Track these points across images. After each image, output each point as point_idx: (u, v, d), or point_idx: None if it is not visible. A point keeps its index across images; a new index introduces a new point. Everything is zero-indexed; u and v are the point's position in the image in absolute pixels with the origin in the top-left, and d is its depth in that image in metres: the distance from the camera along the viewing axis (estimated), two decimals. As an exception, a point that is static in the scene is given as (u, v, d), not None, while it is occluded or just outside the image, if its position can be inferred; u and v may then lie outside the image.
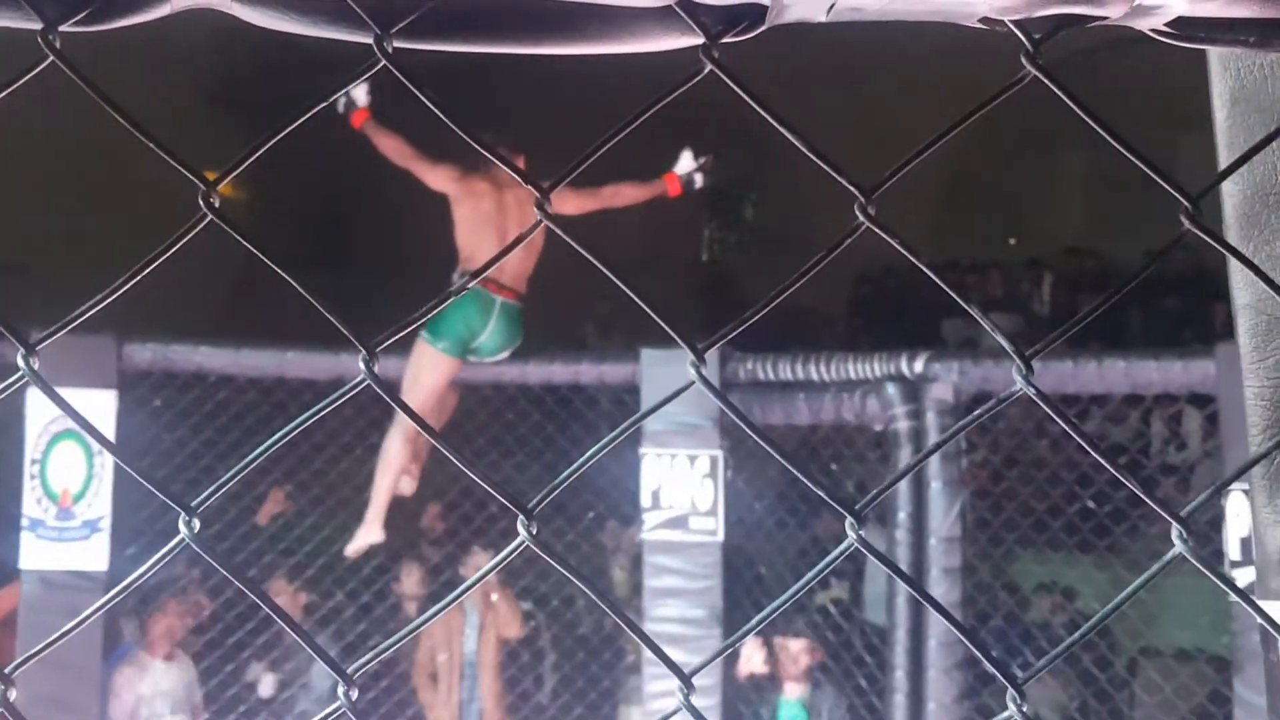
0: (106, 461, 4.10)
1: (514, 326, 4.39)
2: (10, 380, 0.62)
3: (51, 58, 0.61)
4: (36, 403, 4.09)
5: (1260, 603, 0.79)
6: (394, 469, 4.41)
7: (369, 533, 4.44)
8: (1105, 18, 0.66)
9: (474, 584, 0.72)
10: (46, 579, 4.09)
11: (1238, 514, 3.15)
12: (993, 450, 4.74)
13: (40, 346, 0.61)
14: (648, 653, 3.49)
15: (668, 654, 0.70)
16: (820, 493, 0.71)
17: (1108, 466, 0.73)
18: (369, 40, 0.64)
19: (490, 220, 4.31)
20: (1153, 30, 0.69)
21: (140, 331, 4.28)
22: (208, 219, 0.64)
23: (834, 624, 4.38)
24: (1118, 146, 0.71)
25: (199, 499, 0.64)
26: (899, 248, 0.70)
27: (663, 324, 0.69)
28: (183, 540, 0.63)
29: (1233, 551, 3.19)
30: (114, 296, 0.63)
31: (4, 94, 0.62)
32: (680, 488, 4.20)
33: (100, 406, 4.11)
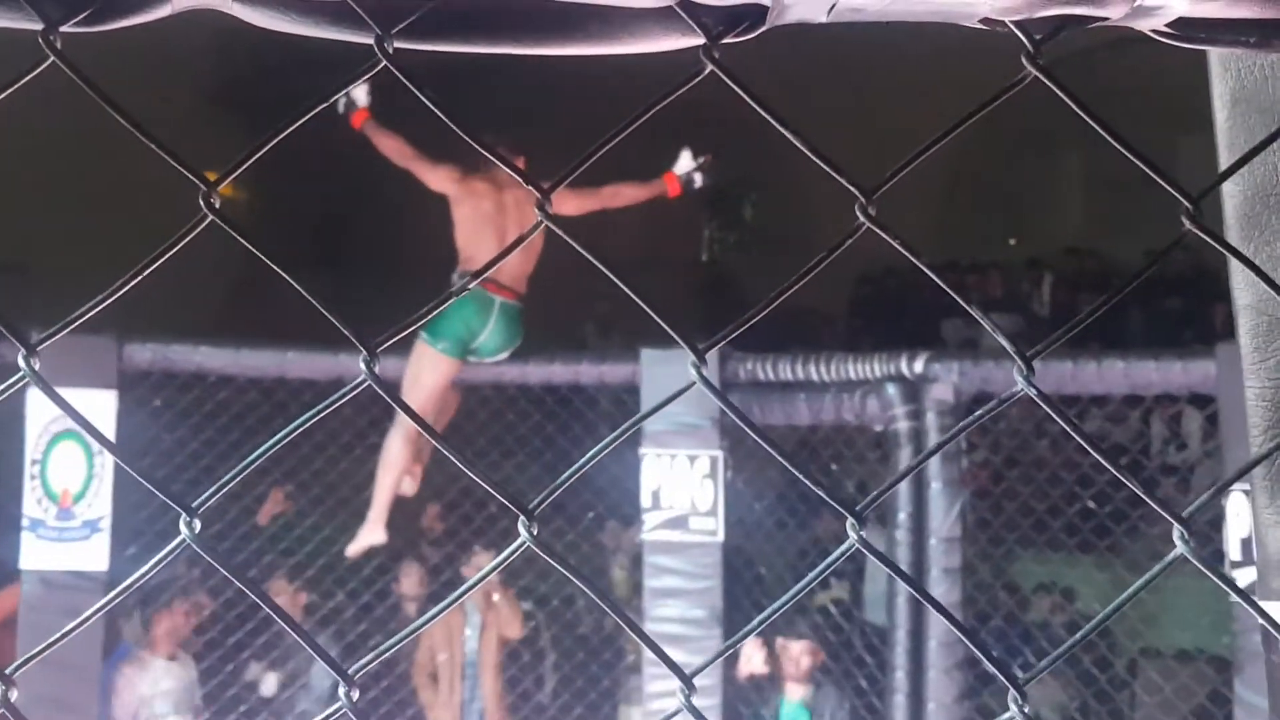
0: (107, 461, 4.10)
1: (514, 326, 4.39)
2: (11, 380, 0.62)
3: (52, 58, 0.61)
4: (37, 403, 4.09)
5: (1261, 603, 0.79)
6: (396, 469, 4.41)
7: (371, 533, 4.45)
8: (1106, 18, 0.66)
9: (475, 585, 0.72)
10: (47, 579, 4.09)
11: (1238, 514, 3.15)
12: (993, 451, 4.74)
13: (41, 347, 0.61)
14: (648, 653, 3.49)
15: (668, 654, 0.70)
16: (821, 493, 0.71)
17: (1108, 467, 0.73)
18: (369, 41, 0.64)
19: (490, 221, 4.31)
20: (1153, 31, 0.69)
21: (140, 331, 4.28)
22: (208, 219, 0.64)
23: (834, 624, 4.38)
24: (1119, 147, 0.71)
25: (199, 499, 0.64)
26: (900, 248, 0.70)
27: (663, 324, 0.69)
28: (183, 541, 0.63)
29: (1233, 552, 3.19)
30: (115, 297, 0.63)
31: (5, 94, 0.62)
32: (680, 488, 4.20)
33: (100, 406, 4.11)
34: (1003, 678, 0.68)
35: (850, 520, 0.68)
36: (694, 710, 0.66)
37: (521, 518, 0.66)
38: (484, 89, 4.61)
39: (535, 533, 0.66)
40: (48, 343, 0.62)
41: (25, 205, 7.67)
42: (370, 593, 4.89)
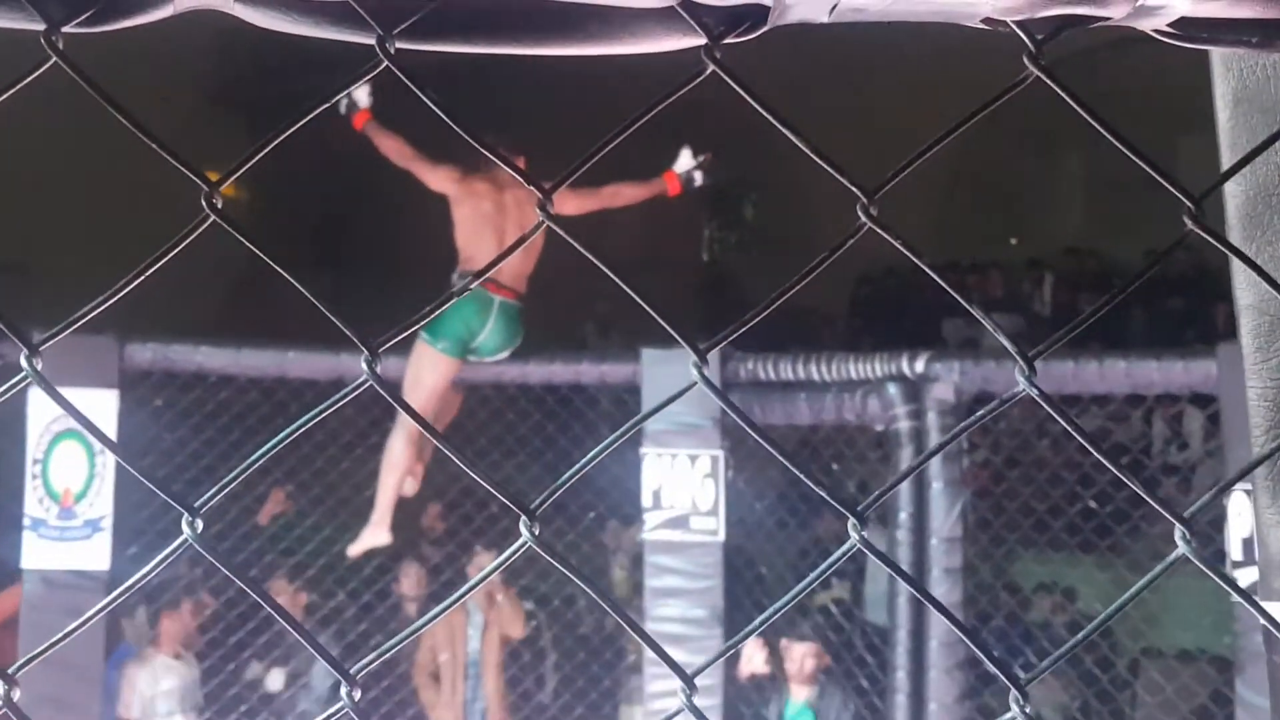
0: (108, 461, 4.10)
1: (513, 326, 4.39)
2: (13, 381, 0.62)
3: (54, 58, 0.61)
4: (38, 402, 4.09)
5: (1263, 603, 0.79)
6: (398, 470, 4.41)
7: (375, 534, 4.45)
8: (1108, 18, 0.66)
9: (475, 585, 0.72)
10: (48, 578, 4.10)
11: (1240, 514, 3.15)
12: (994, 450, 4.74)
13: (43, 347, 0.62)
14: (649, 653, 3.49)
15: (669, 654, 0.70)
16: (822, 493, 0.71)
17: (1110, 467, 0.73)
18: (371, 41, 0.64)
19: (490, 221, 4.32)
20: (1155, 31, 0.69)
21: (142, 331, 4.28)
22: (210, 220, 0.64)
23: (835, 624, 4.38)
24: (1120, 147, 0.71)
25: (202, 499, 0.64)
26: (901, 249, 0.70)
27: (665, 325, 0.69)
28: (186, 541, 0.63)
29: (1235, 552, 3.18)
30: (117, 297, 0.63)
31: (7, 95, 0.62)
32: (681, 488, 4.20)
33: (102, 406, 4.11)
34: (1004, 678, 0.68)
35: (852, 520, 0.68)
36: (695, 710, 0.66)
37: (523, 518, 0.66)
38: (484, 89, 4.62)
39: (537, 533, 0.66)
40: (50, 343, 0.62)
41: (25, 205, 7.67)
42: (371, 592, 4.90)
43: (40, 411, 4.09)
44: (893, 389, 3.86)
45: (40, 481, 4.12)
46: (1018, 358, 0.70)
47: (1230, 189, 0.86)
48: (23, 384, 0.62)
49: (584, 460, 0.69)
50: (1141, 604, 4.51)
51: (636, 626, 0.72)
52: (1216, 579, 0.73)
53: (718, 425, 4.17)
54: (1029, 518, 4.41)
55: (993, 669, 0.71)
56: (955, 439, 3.43)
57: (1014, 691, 0.68)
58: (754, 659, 4.24)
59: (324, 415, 0.67)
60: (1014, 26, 0.67)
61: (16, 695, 0.60)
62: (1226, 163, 0.85)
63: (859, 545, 0.68)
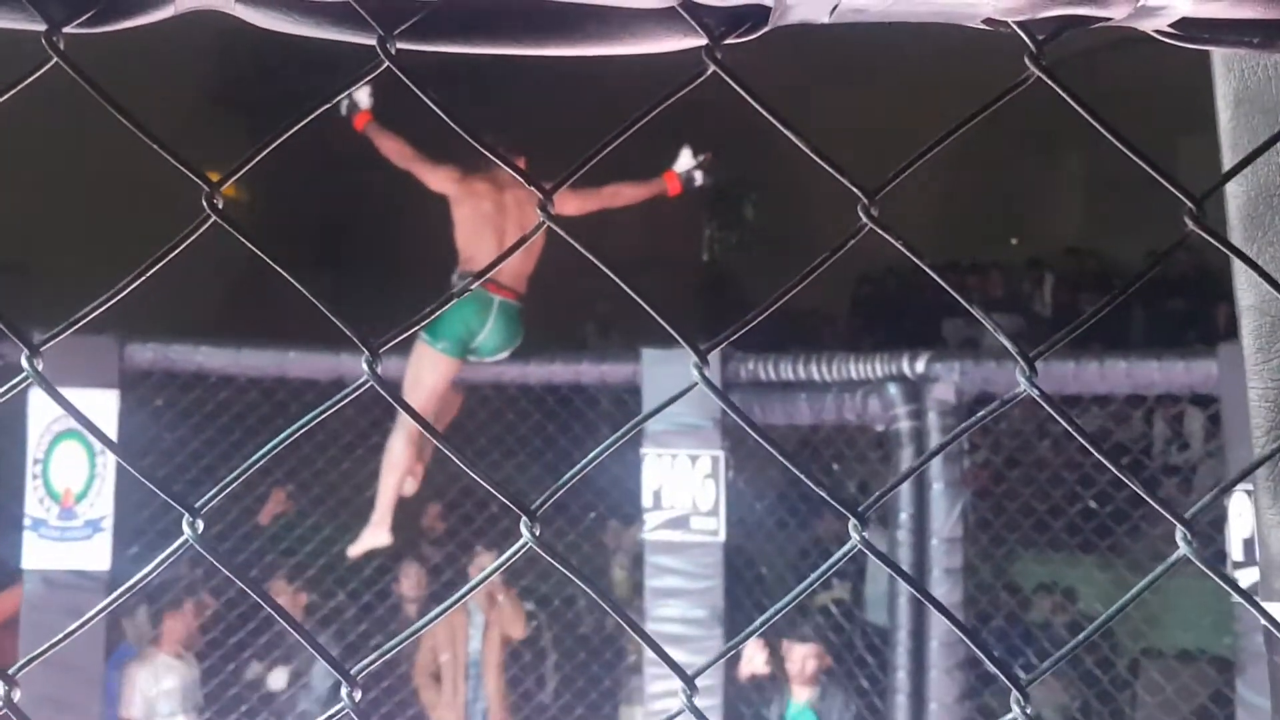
0: (109, 461, 4.10)
1: (513, 326, 4.39)
2: (14, 381, 0.62)
3: (56, 59, 0.61)
4: (39, 402, 4.09)
5: (1264, 604, 0.79)
6: (399, 471, 4.41)
7: (375, 535, 4.45)
8: (1109, 19, 0.66)
9: (476, 585, 0.72)
10: (49, 578, 4.10)
11: (1240, 515, 3.15)
12: (994, 451, 4.74)
13: (44, 347, 0.62)
14: (649, 653, 3.49)
15: (669, 654, 0.70)
16: (823, 494, 0.71)
17: (1110, 467, 0.73)
18: (372, 42, 0.64)
19: (490, 221, 4.32)
20: (1156, 31, 0.68)
21: (142, 331, 4.29)
22: (211, 220, 0.64)
23: (836, 624, 4.38)
24: (1121, 148, 0.71)
25: (202, 500, 0.64)
26: (902, 249, 0.70)
27: (665, 325, 0.69)
28: (186, 541, 0.63)
29: (1235, 553, 3.18)
30: (119, 297, 0.63)
31: (8, 95, 0.62)
32: (681, 488, 4.20)
33: (102, 406, 4.11)
34: (1004, 678, 0.68)
35: (852, 521, 0.68)
36: (695, 710, 0.66)
37: (524, 518, 0.66)
38: (484, 89, 4.62)
39: (537, 533, 0.66)
40: (51, 344, 0.62)
41: (25, 205, 7.67)
42: (371, 593, 4.90)
43: (41, 411, 4.09)
44: (893, 389, 3.86)
45: (41, 481, 4.12)
46: (1018, 358, 0.70)
47: (1231, 189, 0.86)
48: (23, 384, 0.62)
49: (584, 461, 0.69)
50: (1142, 604, 4.51)
51: (637, 627, 0.72)
52: (1217, 579, 0.73)
53: (718, 425, 4.17)
54: (1029, 518, 4.41)
55: (993, 669, 0.71)
56: (956, 439, 3.43)
57: (1015, 692, 0.68)
58: (754, 659, 4.24)
59: (324, 416, 0.67)
60: (1015, 27, 0.67)
61: (17, 696, 0.60)
62: (1228, 163, 0.85)
63: (860, 546, 0.68)
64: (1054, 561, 5.33)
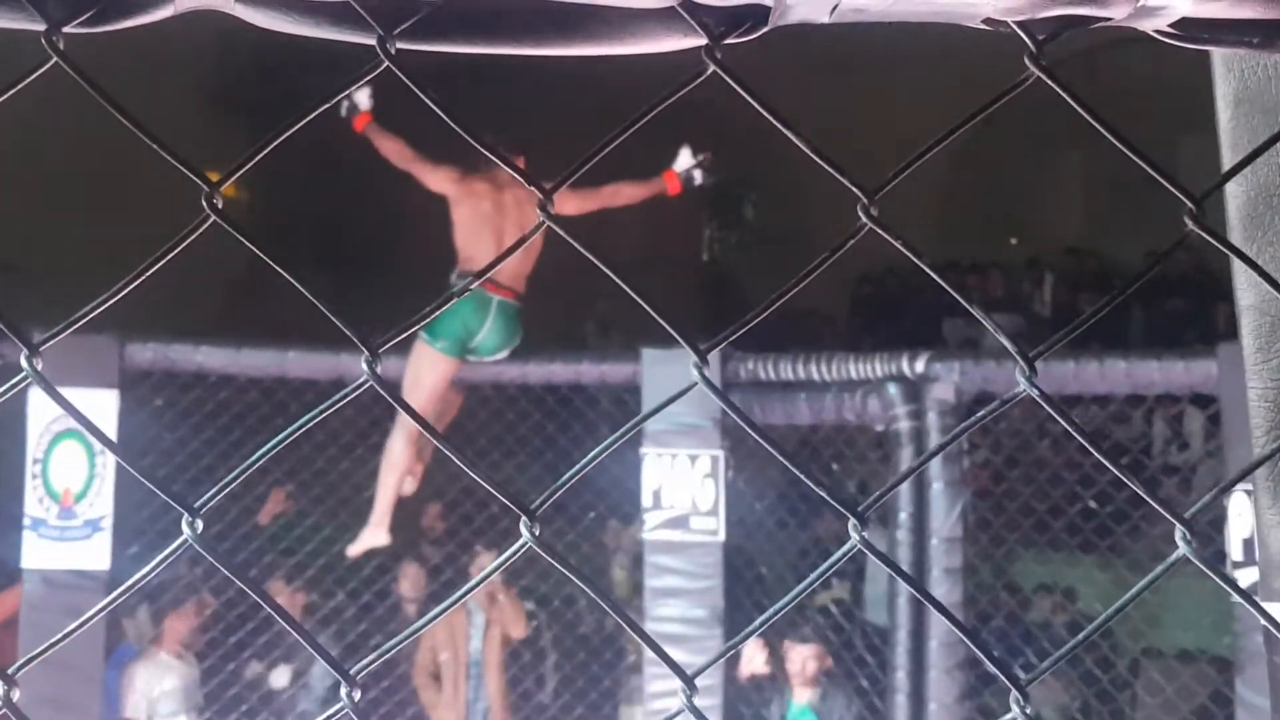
0: (108, 461, 4.10)
1: (512, 325, 4.39)
2: (14, 381, 0.62)
3: (55, 59, 0.61)
4: (38, 402, 4.09)
5: (1264, 604, 0.79)
6: (398, 471, 4.41)
7: (374, 535, 4.45)
8: (1109, 19, 0.66)
9: (476, 585, 0.72)
10: (48, 578, 4.10)
11: (1240, 515, 3.15)
12: (994, 451, 4.74)
13: (44, 347, 0.62)
14: (649, 653, 3.49)
15: (669, 654, 0.70)
16: (822, 493, 0.71)
17: (1110, 467, 0.73)
18: (372, 41, 0.64)
19: (489, 221, 4.32)
20: (1156, 31, 0.68)
21: (142, 331, 4.29)
22: (211, 220, 0.64)
23: (835, 624, 4.39)
24: (1121, 148, 0.71)
25: (202, 500, 0.64)
26: (902, 248, 0.70)
27: (665, 324, 0.69)
28: (186, 541, 0.63)
29: (1235, 552, 3.18)
30: (118, 297, 0.63)
31: (7, 95, 0.62)
32: (681, 488, 4.20)
33: (102, 406, 4.11)
34: (1004, 678, 0.68)
35: (852, 521, 0.68)
36: (695, 710, 0.66)
37: (523, 518, 0.66)
38: (484, 89, 4.62)
39: (537, 533, 0.66)
40: (51, 343, 0.62)
41: (25, 205, 7.67)
42: (371, 593, 4.90)
43: (40, 411, 4.09)
44: (893, 389, 3.86)
45: (40, 481, 4.12)
46: (1018, 358, 0.70)
47: (1231, 189, 0.86)
48: (23, 384, 0.62)
49: (584, 461, 0.69)
50: (1142, 604, 4.51)
51: (636, 626, 0.72)
52: (1217, 579, 0.73)
53: (718, 425, 4.17)
54: (1029, 518, 4.41)
55: (993, 669, 0.71)
56: (956, 439, 3.43)
57: (1014, 692, 0.68)
58: (754, 659, 4.24)
59: (324, 415, 0.67)
60: (1015, 27, 0.67)
61: (16, 695, 0.60)
62: (1227, 163, 0.85)
63: (859, 545, 0.68)
64: (1054, 561, 5.33)
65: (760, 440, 0.71)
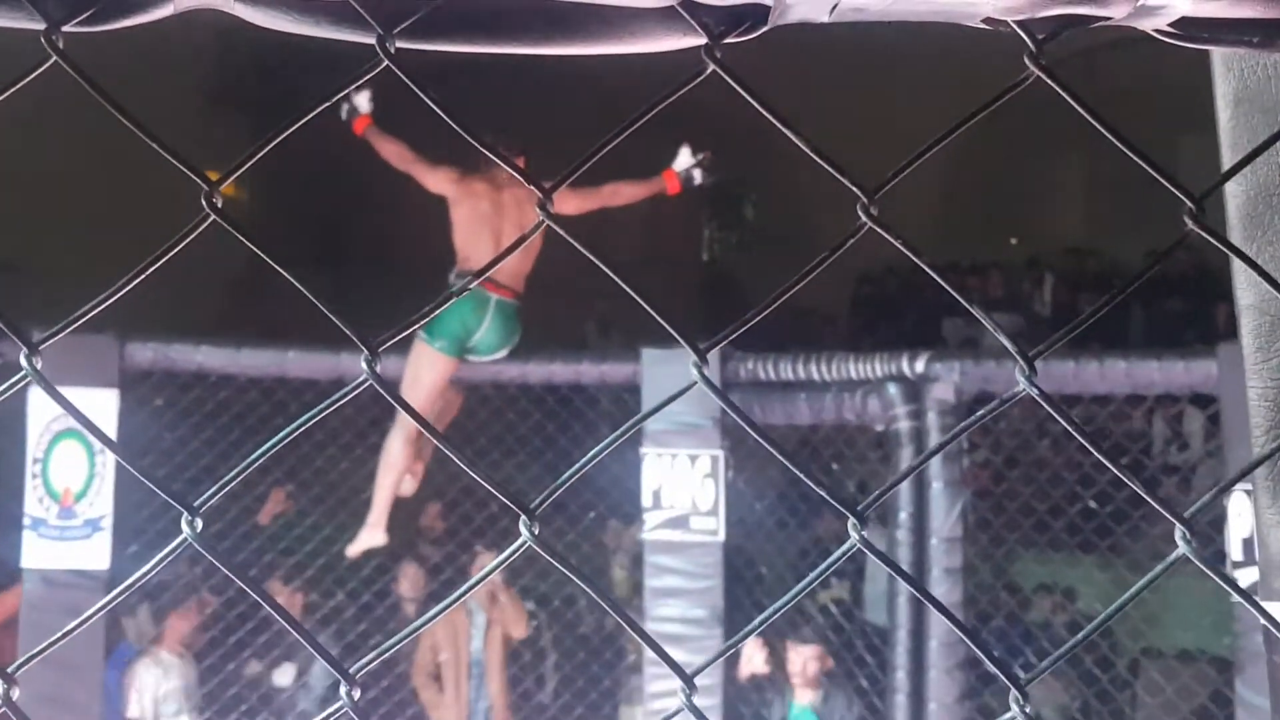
0: (108, 460, 4.10)
1: (510, 324, 4.39)
2: (13, 379, 0.62)
3: (55, 58, 0.61)
4: (38, 402, 4.09)
5: (1264, 604, 0.79)
6: (396, 470, 4.41)
7: (372, 535, 4.45)
8: (1109, 18, 0.66)
9: (475, 584, 0.72)
10: (48, 578, 4.10)
11: (1240, 515, 3.15)
12: (994, 450, 4.74)
13: (43, 346, 0.62)
14: (649, 652, 3.49)
15: (669, 654, 0.70)
16: (822, 493, 0.71)
17: (1110, 467, 0.73)
18: (371, 40, 0.64)
19: (488, 221, 4.32)
20: (1156, 31, 0.68)
21: (142, 331, 4.29)
22: (210, 219, 0.64)
23: (835, 624, 4.39)
24: (1121, 147, 0.71)
25: (201, 498, 0.64)
26: (902, 248, 0.70)
27: (665, 324, 0.69)
28: (185, 540, 0.63)
29: (1235, 552, 3.18)
30: (118, 296, 0.63)
31: (7, 94, 0.62)
32: (681, 487, 4.20)
33: (102, 405, 4.11)
34: (1004, 678, 0.68)
35: (852, 520, 0.68)
36: (695, 710, 0.66)
37: (523, 517, 0.66)
38: (484, 89, 4.62)
39: (536, 532, 0.66)
40: (50, 342, 0.62)
41: (25, 205, 7.68)
42: (370, 592, 4.90)
43: (40, 411, 4.09)
44: (893, 389, 3.86)
45: (40, 481, 4.12)
46: (1018, 357, 0.70)
47: (1231, 189, 0.86)
48: (22, 383, 0.62)
49: (583, 460, 0.69)
50: (1142, 604, 4.51)
51: (636, 626, 0.72)
52: (1216, 579, 0.73)
53: (718, 425, 4.17)
54: (1029, 518, 4.41)
55: (993, 669, 0.71)
56: (955, 439, 3.43)
57: (1014, 691, 0.68)
58: (754, 659, 4.24)
59: (324, 415, 0.67)
60: (1015, 26, 0.67)
61: (16, 694, 0.60)
62: (1227, 163, 0.85)
63: (859, 545, 0.68)
64: (1054, 561, 5.33)
65: (760, 439, 0.71)
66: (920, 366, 3.82)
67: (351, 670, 0.64)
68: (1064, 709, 4.68)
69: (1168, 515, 0.70)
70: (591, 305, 9.08)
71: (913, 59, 6.90)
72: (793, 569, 4.75)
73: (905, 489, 3.77)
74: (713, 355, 0.78)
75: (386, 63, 0.64)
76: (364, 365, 0.65)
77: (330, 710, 0.64)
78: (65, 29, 0.61)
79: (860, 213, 0.69)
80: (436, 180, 4.36)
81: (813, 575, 0.72)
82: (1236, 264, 0.83)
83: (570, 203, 4.10)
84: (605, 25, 0.66)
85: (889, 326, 8.71)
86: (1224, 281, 0.91)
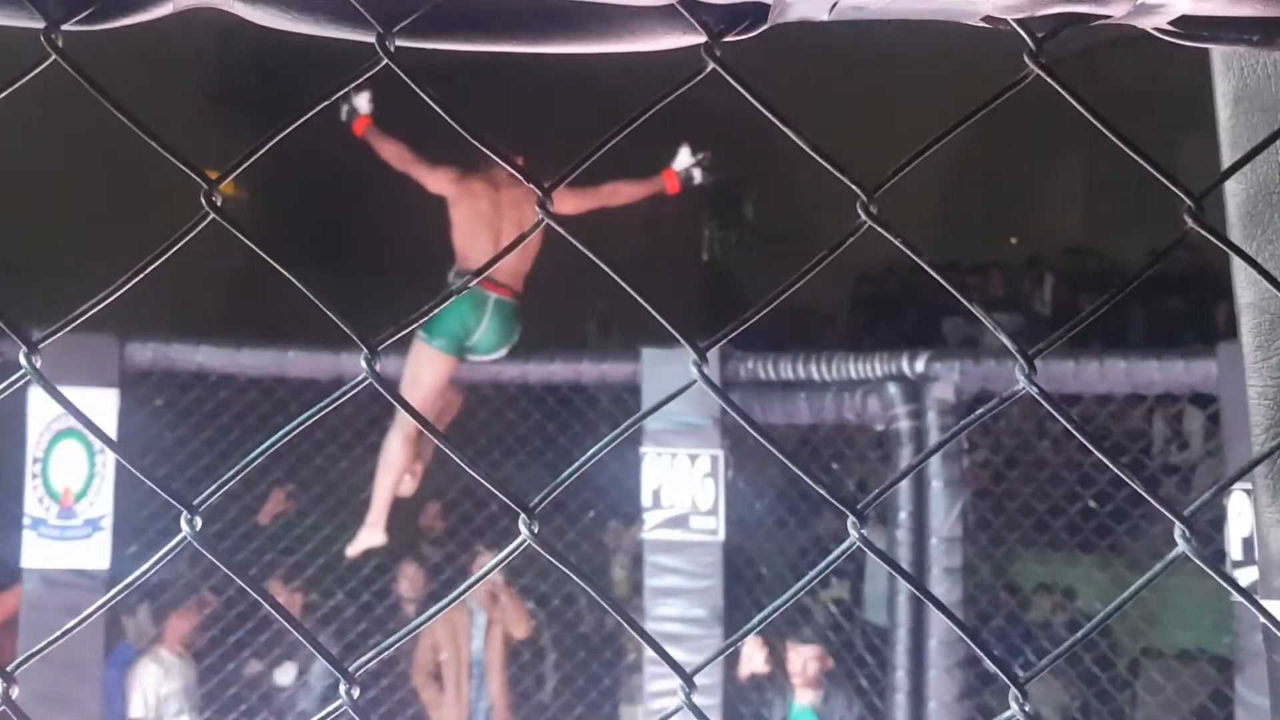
0: (108, 460, 4.10)
1: (509, 323, 4.39)
2: (13, 378, 0.62)
3: (54, 56, 0.61)
4: (38, 401, 4.09)
5: (1263, 602, 0.79)
6: (395, 470, 4.41)
7: (371, 535, 4.45)
8: (1109, 16, 0.65)
9: (475, 583, 0.72)
10: (48, 577, 4.10)
11: (1240, 514, 3.15)
12: (994, 450, 4.74)
13: (43, 345, 0.62)
14: (649, 652, 3.48)
15: (669, 653, 0.70)
16: (822, 491, 0.71)
17: (1110, 465, 0.73)
18: (371, 39, 0.64)
19: (487, 220, 4.33)
20: (1155, 29, 0.68)
21: (142, 331, 4.29)
22: (210, 218, 0.64)
23: (835, 623, 4.39)
24: (1121, 145, 0.71)
25: (200, 497, 0.64)
26: (902, 246, 0.70)
27: (665, 323, 0.69)
28: (184, 538, 0.63)
29: (1235, 551, 3.18)
30: (117, 295, 0.63)
31: (6, 92, 0.62)
32: (681, 487, 4.20)
33: (102, 405, 4.11)
34: (1004, 676, 0.68)
35: (851, 518, 0.68)
36: (694, 708, 0.66)
37: (522, 516, 0.66)
38: (483, 88, 4.62)
39: (536, 531, 0.66)
40: (49, 340, 0.62)
41: (25, 205, 7.67)
42: (370, 592, 4.90)
43: (40, 410, 4.09)
44: (893, 388, 3.86)
45: (40, 481, 4.12)
46: (1018, 355, 0.70)
47: (1231, 187, 0.86)
48: (22, 381, 0.62)
49: (583, 458, 0.69)
50: (1141, 603, 4.51)
51: (635, 625, 0.72)
52: (1216, 577, 0.73)
53: (718, 424, 4.17)
54: (1029, 517, 4.41)
55: (992, 667, 0.71)
56: (955, 437, 3.43)
57: (1013, 690, 0.68)
58: (753, 659, 4.24)
59: (323, 414, 0.67)
60: (1014, 24, 0.67)
61: (15, 693, 0.60)
62: (1227, 161, 0.85)
63: (858, 543, 0.68)
64: (1053, 561, 5.33)
65: (759, 438, 0.71)
66: (920, 366, 3.82)
67: (351, 669, 0.64)
68: (1064, 708, 4.69)
69: (1167, 513, 0.70)
70: (591, 305, 9.08)
71: (912, 58, 6.89)
72: (792, 568, 4.75)
73: (905, 488, 3.77)
74: (712, 354, 0.78)
75: (386, 61, 0.64)
76: (363, 364, 0.65)
77: (330, 709, 0.64)
78: (65, 27, 0.61)
79: (860, 211, 0.69)
80: (436, 180, 4.37)
81: (812, 574, 0.72)
82: (1236, 262, 0.83)
83: (569, 202, 4.10)
84: (605, 24, 0.66)
85: (889, 326, 8.72)
86: (1224, 281, 0.91)
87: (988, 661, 0.72)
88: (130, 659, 4.52)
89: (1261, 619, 0.75)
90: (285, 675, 4.83)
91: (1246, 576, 2.98)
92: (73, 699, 3.99)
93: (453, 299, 0.73)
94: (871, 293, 9.62)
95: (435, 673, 4.95)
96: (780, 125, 0.68)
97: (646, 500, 4.24)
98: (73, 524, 4.13)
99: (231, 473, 0.65)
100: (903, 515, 3.82)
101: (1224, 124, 0.86)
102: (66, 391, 0.63)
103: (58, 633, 0.63)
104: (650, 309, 0.69)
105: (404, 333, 0.68)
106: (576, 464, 0.68)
